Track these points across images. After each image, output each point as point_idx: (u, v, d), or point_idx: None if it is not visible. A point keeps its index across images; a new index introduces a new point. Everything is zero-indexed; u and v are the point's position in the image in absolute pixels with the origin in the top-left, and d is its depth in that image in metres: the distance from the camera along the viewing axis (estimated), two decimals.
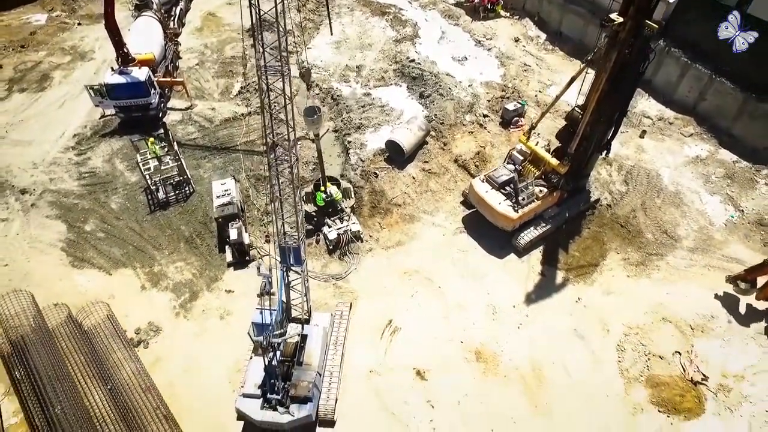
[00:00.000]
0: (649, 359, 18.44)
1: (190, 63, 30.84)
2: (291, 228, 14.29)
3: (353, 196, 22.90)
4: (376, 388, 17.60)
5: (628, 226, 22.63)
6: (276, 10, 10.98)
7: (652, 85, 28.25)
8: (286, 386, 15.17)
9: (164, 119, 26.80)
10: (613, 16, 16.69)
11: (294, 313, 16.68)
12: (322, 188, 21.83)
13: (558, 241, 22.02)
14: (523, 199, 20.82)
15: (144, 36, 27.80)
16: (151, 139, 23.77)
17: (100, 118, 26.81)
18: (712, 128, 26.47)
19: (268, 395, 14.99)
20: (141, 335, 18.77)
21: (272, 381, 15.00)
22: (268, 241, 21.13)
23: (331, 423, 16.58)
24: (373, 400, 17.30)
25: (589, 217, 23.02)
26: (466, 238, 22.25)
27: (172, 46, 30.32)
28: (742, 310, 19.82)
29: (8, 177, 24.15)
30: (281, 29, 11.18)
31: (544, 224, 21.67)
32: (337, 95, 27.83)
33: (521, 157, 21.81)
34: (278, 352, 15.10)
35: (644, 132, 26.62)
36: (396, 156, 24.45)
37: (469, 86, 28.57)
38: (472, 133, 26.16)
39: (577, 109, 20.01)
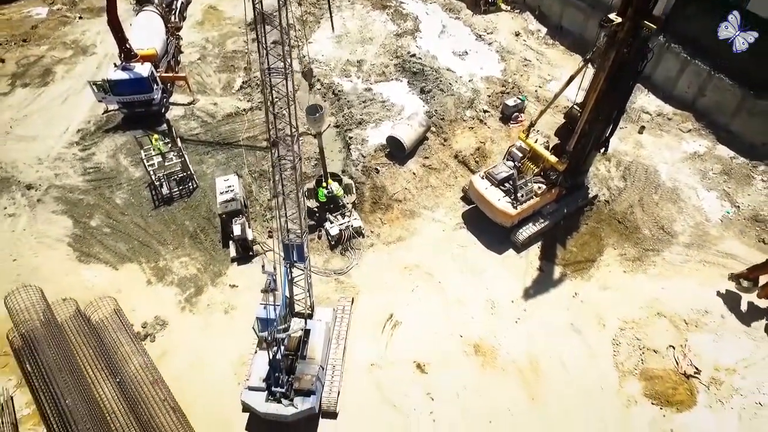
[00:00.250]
0: (643, 353, 18.84)
1: (192, 57, 30.91)
2: (294, 224, 14.57)
3: (354, 191, 23.19)
4: (377, 381, 18.04)
5: (626, 222, 22.93)
6: (279, 11, 11.19)
7: (652, 81, 28.34)
8: (290, 379, 15.64)
9: (167, 114, 26.99)
10: (612, 16, 16.85)
11: (297, 308, 17.07)
12: (324, 184, 22.13)
13: (556, 237, 22.33)
14: (522, 196, 21.10)
15: (146, 31, 27.88)
16: (155, 136, 24.00)
17: (103, 114, 27.00)
18: (710, 124, 26.63)
19: (273, 388, 15.46)
20: (148, 329, 19.19)
21: (277, 374, 15.48)
22: (271, 237, 21.66)
23: (333, 415, 17.02)
24: (374, 393, 17.74)
25: (587, 213, 23.31)
26: (465, 233, 22.57)
27: (173, 41, 30.37)
28: (744, 308, 20.11)
29: (14, 172, 24.44)
30: (282, 27, 11.33)
31: (542, 220, 21.96)
32: (339, 90, 27.98)
33: (520, 154, 22.06)
34: (282, 347, 15.57)
35: (643, 128, 26.76)
36: (397, 152, 24.70)
37: (469, 81, 28.70)
38: (472, 128, 26.36)
39: (576, 107, 20.24)
